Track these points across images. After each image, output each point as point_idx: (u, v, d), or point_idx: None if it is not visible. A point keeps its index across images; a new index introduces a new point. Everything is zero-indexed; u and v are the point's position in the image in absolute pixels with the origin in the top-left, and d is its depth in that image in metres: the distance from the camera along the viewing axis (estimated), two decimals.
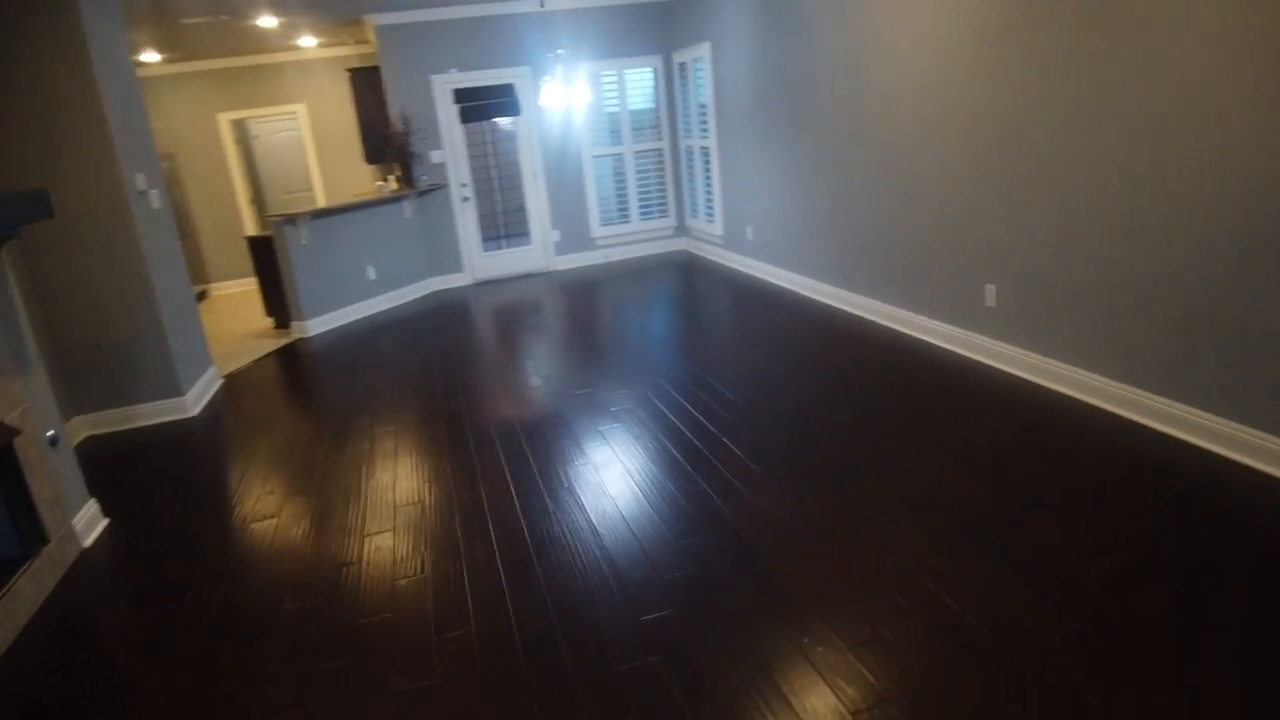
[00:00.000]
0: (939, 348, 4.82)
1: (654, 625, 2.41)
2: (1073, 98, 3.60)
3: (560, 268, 8.63)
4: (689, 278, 7.61)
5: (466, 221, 8.25)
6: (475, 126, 8.14)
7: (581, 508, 3.27)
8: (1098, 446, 3.31)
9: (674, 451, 3.73)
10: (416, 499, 3.52)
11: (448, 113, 7.93)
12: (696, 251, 8.75)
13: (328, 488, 3.75)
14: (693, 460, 3.61)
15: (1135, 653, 2.05)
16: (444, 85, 7.86)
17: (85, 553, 3.37)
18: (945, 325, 4.82)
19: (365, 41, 9.19)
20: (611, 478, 3.53)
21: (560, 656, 2.31)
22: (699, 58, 7.65)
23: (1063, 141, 3.71)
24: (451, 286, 8.34)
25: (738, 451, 3.64)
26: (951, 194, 4.57)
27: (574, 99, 6.95)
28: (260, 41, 8.44)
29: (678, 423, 4.08)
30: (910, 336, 5.09)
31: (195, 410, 5.13)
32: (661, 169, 8.72)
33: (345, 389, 5.31)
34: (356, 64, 9.02)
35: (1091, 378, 3.77)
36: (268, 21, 7.20)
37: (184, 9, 6.35)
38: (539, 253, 8.56)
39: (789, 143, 6.31)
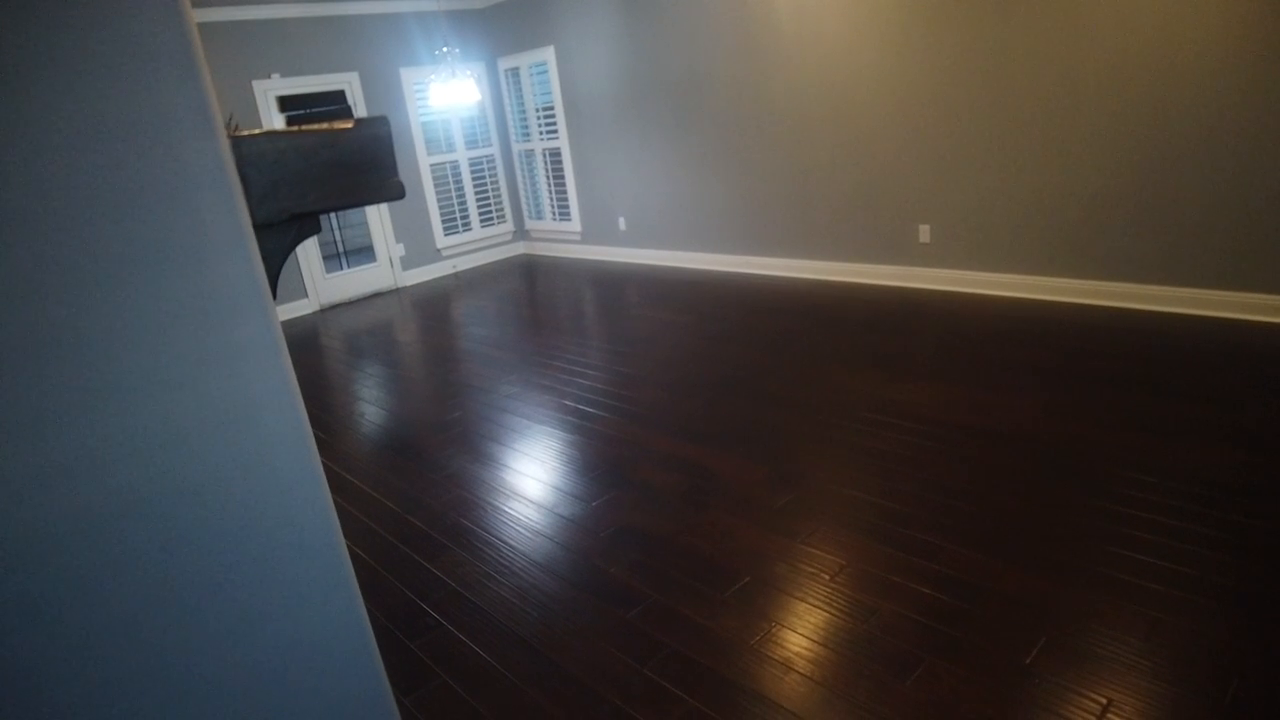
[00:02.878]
0: (879, 286, 5.76)
1: None
2: (992, 51, 4.69)
3: (409, 283, 8.19)
4: (559, 278, 7.77)
5: (305, 243, 7.47)
6: None
7: None
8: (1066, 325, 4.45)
9: None
10: None
11: (273, 123, 7.14)
12: (539, 253, 8.90)
13: None
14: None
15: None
16: (268, 92, 7.07)
17: None
18: (881, 266, 5.78)
19: None
20: None
21: None
22: (540, 62, 7.86)
23: (985, 93, 4.80)
24: (298, 314, 7.49)
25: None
26: (875, 152, 5.52)
27: (426, 101, 6.74)
28: None
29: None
30: (849, 283, 5.98)
31: None
32: (495, 174, 8.72)
33: None
34: None
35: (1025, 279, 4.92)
36: None
37: None
38: (385, 270, 8.04)
39: (673, 131, 6.88)
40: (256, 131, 1.07)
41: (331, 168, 1.14)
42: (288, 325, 7.22)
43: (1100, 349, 4.02)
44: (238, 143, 1.06)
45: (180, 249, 1.04)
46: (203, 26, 6.64)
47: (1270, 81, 3.79)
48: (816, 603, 2.39)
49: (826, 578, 2.50)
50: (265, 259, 1.34)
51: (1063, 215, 4.71)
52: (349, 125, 1.14)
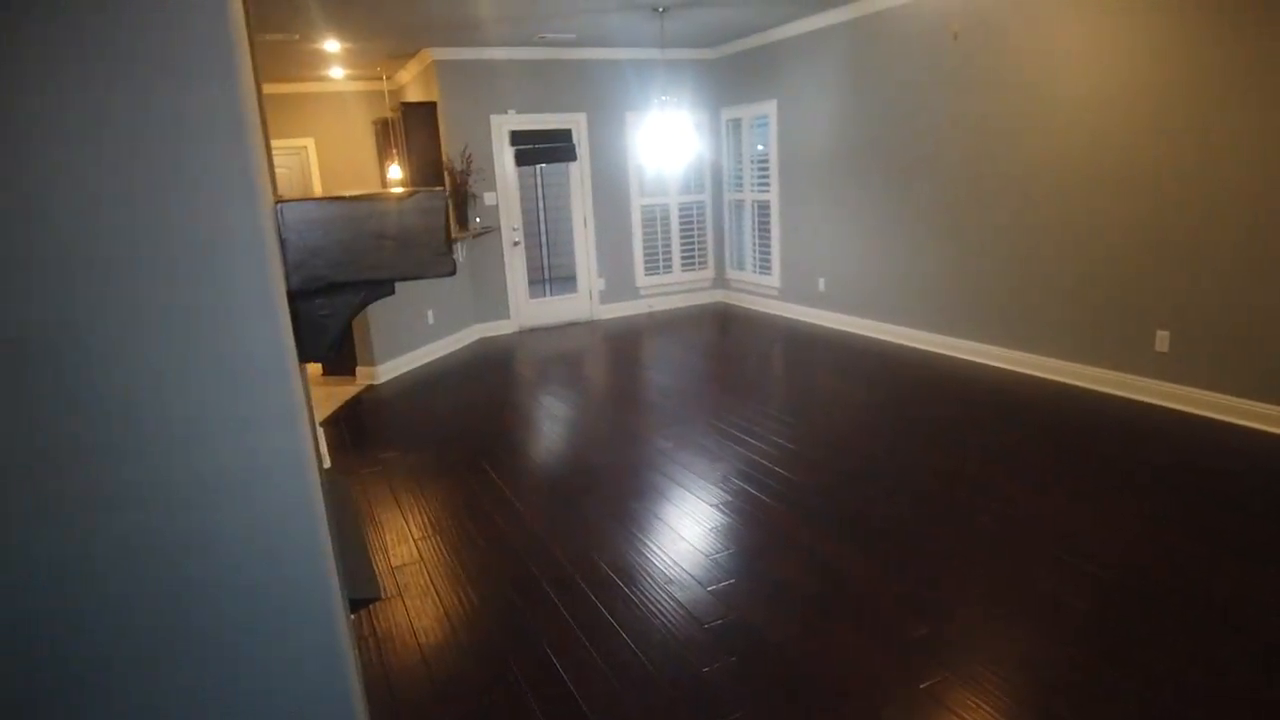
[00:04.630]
0: (1098, 393, 5.03)
1: None
2: (1260, 144, 3.94)
3: (603, 317, 8.41)
4: (749, 332, 7.61)
5: (516, 267, 7.91)
6: (525, 170, 7.90)
7: None
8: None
9: None
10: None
11: (503, 154, 7.66)
12: (735, 302, 8.79)
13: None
14: None
15: None
16: (502, 126, 7.60)
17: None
18: (1104, 370, 5.05)
19: (388, 78, 8.78)
20: None
21: None
22: (762, 115, 7.81)
23: (1254, 192, 4.04)
24: (498, 334, 7.92)
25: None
26: (1112, 241, 4.85)
27: (643, 146, 6.90)
28: (282, 69, 7.87)
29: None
30: (1063, 384, 5.29)
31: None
32: (703, 221, 8.77)
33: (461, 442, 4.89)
34: (385, 100, 8.59)
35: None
36: (332, 46, 6.75)
37: (266, 23, 5.85)
38: (584, 301, 8.32)
39: (885, 196, 6.52)
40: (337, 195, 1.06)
41: (377, 239, 1.10)
42: (488, 341, 7.66)
43: None
44: (281, 208, 1.05)
45: (210, 311, 1.03)
46: (452, 64, 7.29)
47: None
48: None
49: None
50: (329, 317, 1.33)
51: None
52: (401, 196, 1.09)
